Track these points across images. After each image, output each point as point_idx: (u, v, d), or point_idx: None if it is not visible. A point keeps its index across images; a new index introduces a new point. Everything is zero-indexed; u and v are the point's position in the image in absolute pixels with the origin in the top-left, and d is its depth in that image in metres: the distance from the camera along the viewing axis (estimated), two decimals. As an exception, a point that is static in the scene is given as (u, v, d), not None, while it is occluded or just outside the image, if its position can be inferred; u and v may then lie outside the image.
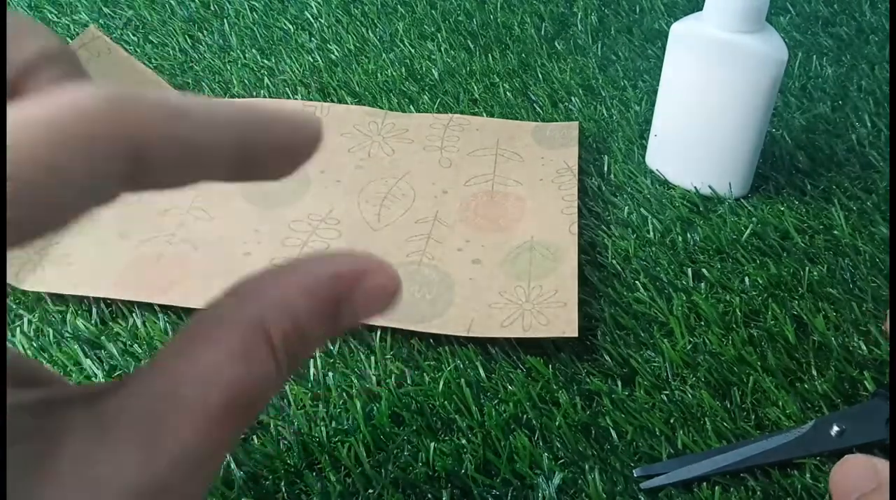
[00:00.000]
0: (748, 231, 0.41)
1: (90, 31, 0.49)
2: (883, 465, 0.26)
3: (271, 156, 0.16)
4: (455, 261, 0.40)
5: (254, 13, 0.65)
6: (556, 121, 0.51)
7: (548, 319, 0.35)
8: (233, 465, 0.31)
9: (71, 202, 0.13)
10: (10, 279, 0.39)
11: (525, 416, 0.33)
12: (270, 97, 0.54)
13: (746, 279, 0.39)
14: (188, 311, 0.38)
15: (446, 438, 0.32)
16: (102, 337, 0.37)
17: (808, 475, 0.30)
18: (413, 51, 0.59)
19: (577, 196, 0.43)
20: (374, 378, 0.34)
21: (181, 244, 0.41)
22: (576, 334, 0.34)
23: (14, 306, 0.39)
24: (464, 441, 0.32)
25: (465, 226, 0.42)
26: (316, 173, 0.46)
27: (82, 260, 0.41)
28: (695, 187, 0.44)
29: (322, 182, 0.45)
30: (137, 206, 0.44)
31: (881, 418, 0.30)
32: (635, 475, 0.30)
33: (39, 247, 0.41)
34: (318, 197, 0.44)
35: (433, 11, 0.63)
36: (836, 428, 0.31)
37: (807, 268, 0.39)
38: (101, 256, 0.41)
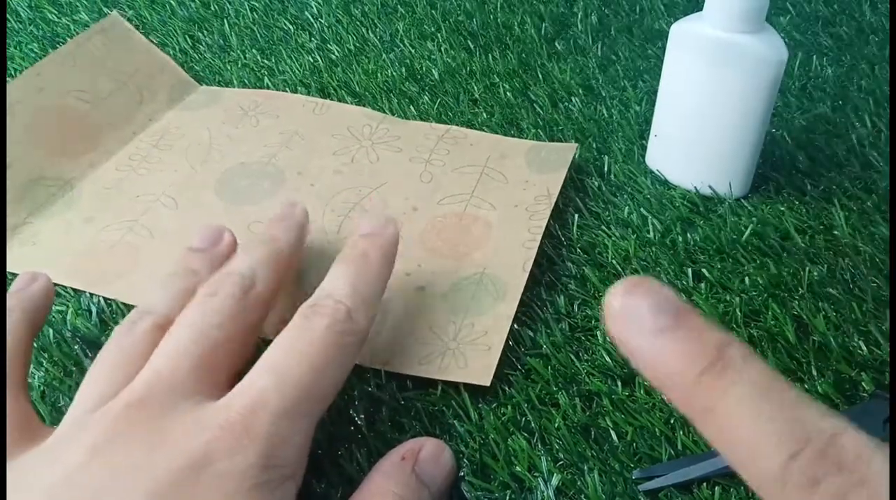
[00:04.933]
0: (748, 231, 0.41)
1: (112, 16, 0.51)
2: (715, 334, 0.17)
3: None
4: (399, 286, 0.38)
5: (254, 13, 0.65)
6: (556, 119, 0.50)
7: (466, 361, 0.34)
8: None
9: None
10: None
11: (524, 418, 0.33)
12: (270, 97, 0.54)
13: (746, 279, 0.39)
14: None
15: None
16: (102, 337, 0.37)
17: (807, 477, 0.30)
18: (413, 51, 0.59)
19: (543, 229, 0.41)
20: (374, 382, 0.34)
21: (141, 231, 0.42)
22: (487, 384, 0.33)
23: (14, 308, 0.39)
24: (462, 448, 0.32)
25: (421, 248, 0.41)
26: (293, 175, 0.46)
27: (46, 242, 0.41)
28: (695, 187, 0.44)
29: (296, 184, 0.45)
30: (114, 191, 0.45)
31: (880, 418, 0.30)
32: (634, 477, 0.30)
33: (12, 225, 0.42)
34: (287, 199, 0.43)
35: (433, 11, 0.63)
36: (835, 429, 0.30)
37: (807, 268, 0.39)
38: (64, 239, 0.42)
